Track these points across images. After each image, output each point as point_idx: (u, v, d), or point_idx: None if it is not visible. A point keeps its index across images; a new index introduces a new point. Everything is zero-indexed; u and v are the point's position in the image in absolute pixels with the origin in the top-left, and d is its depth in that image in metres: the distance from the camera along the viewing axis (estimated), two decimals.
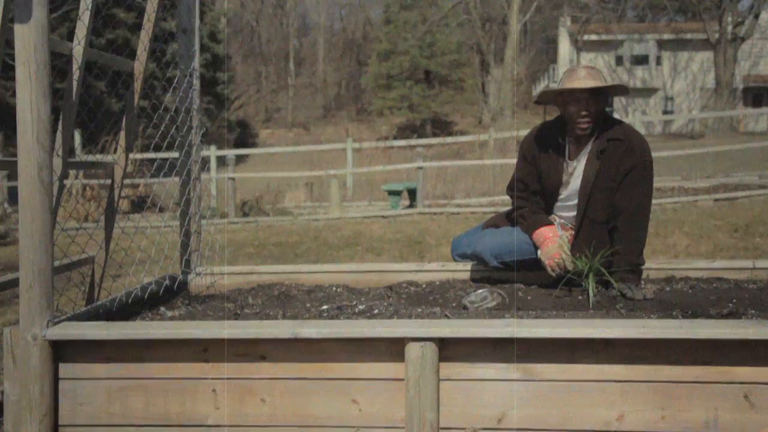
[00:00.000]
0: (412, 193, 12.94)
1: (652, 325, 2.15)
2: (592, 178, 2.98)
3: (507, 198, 3.26)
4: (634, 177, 2.94)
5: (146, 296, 2.95)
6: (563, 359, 2.15)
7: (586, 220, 3.02)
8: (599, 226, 3.01)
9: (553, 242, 3.03)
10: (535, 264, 3.15)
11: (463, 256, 3.42)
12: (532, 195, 3.16)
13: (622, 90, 3.05)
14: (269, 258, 7.11)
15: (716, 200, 10.85)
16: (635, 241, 2.96)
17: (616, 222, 2.98)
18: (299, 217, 11.95)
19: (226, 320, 2.60)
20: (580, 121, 2.96)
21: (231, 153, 15.73)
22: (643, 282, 3.05)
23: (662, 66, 38.16)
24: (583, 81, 2.91)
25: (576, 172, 3.07)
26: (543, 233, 3.06)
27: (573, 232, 3.14)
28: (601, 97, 2.98)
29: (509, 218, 3.32)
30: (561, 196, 3.14)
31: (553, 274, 3.01)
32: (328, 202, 12.77)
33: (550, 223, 3.10)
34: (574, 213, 3.11)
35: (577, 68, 2.98)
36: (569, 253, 3.01)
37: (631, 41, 37.81)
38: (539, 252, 3.07)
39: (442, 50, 38.42)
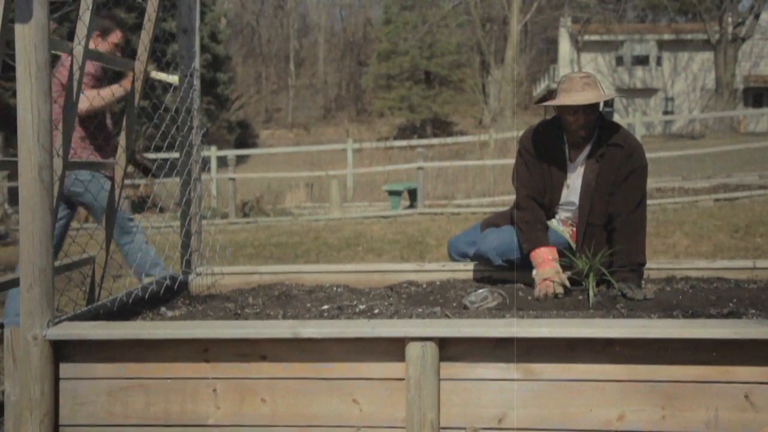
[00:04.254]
0: (412, 194, 12.94)
1: (653, 324, 2.15)
2: (593, 183, 3.02)
3: (507, 198, 3.27)
4: (632, 180, 2.99)
5: (147, 296, 2.95)
6: (564, 359, 2.15)
7: (589, 224, 3.05)
8: (599, 229, 3.06)
9: (551, 266, 2.97)
10: None
11: (463, 256, 3.42)
12: (535, 196, 3.14)
13: (612, 96, 3.11)
14: (270, 258, 7.11)
15: (716, 200, 10.84)
16: (636, 241, 2.98)
17: (615, 224, 3.01)
18: (300, 217, 11.95)
19: (227, 320, 2.60)
20: (578, 128, 2.99)
21: (231, 153, 15.72)
22: (643, 282, 3.06)
23: (663, 66, 38.15)
24: (580, 95, 2.90)
25: (575, 175, 3.09)
26: (542, 254, 3.00)
27: (573, 228, 3.15)
28: (597, 105, 2.99)
29: (508, 217, 3.33)
30: (561, 199, 3.15)
31: (539, 296, 2.93)
32: (329, 202, 12.77)
33: (550, 244, 3.04)
34: (572, 213, 3.14)
35: (575, 78, 2.97)
36: (564, 280, 2.95)
37: (631, 41, 37.81)
38: (534, 272, 3.02)
39: (442, 51, 38.42)
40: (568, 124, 3.01)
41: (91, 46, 3.94)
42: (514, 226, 3.18)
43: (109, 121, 4.07)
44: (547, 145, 3.11)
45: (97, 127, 3.98)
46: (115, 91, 3.76)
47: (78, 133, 3.92)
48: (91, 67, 3.84)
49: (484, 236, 3.25)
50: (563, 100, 2.93)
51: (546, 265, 2.98)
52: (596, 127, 3.05)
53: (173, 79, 3.68)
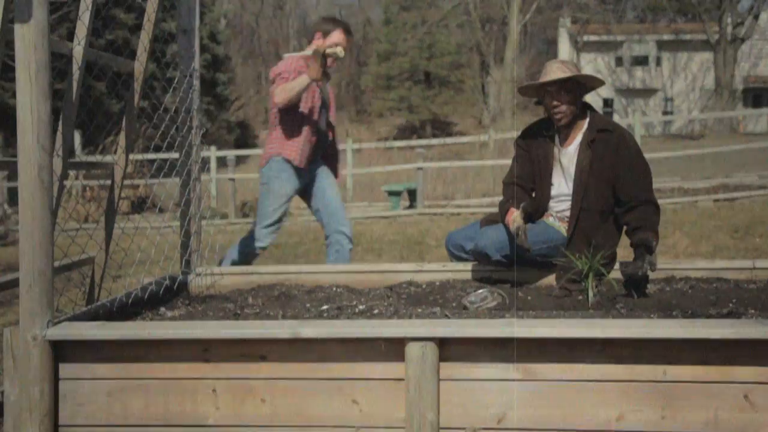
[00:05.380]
0: (412, 194, 12.94)
1: (652, 325, 2.15)
2: (587, 167, 3.08)
3: None
4: (638, 163, 3.06)
5: (146, 296, 2.95)
6: (563, 359, 2.15)
7: (582, 209, 3.09)
8: (594, 214, 3.09)
9: (510, 216, 3.08)
10: (536, 258, 3.17)
11: (459, 249, 3.43)
12: (519, 183, 3.23)
13: (595, 81, 3.15)
14: (269, 258, 7.10)
15: (716, 201, 10.85)
16: (655, 214, 3.03)
17: (630, 206, 3.03)
18: (299, 217, 11.94)
19: (227, 320, 2.60)
20: (554, 111, 3.11)
21: (231, 153, 15.71)
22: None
23: (662, 67, 38.16)
24: (553, 74, 3.06)
25: (569, 164, 3.16)
26: (507, 217, 3.12)
27: (568, 224, 3.17)
28: (574, 88, 3.10)
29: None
30: (554, 189, 3.18)
31: (518, 240, 3.02)
32: None
33: (513, 207, 3.15)
34: (567, 205, 3.17)
35: (552, 63, 3.15)
36: (518, 215, 3.04)
37: (630, 42, 37.81)
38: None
39: (441, 51, 38.39)
40: (547, 106, 3.13)
41: (314, 45, 4.06)
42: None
43: (313, 113, 4.10)
44: (538, 137, 3.23)
45: (296, 119, 4.05)
46: (300, 81, 3.89)
47: (279, 127, 4.05)
48: (290, 63, 3.98)
49: (482, 232, 3.27)
50: (540, 80, 3.09)
51: (509, 220, 3.08)
52: (579, 111, 3.15)
53: (339, 51, 3.86)
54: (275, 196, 4.09)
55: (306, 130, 4.06)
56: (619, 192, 3.05)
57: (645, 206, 3.02)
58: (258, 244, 4.10)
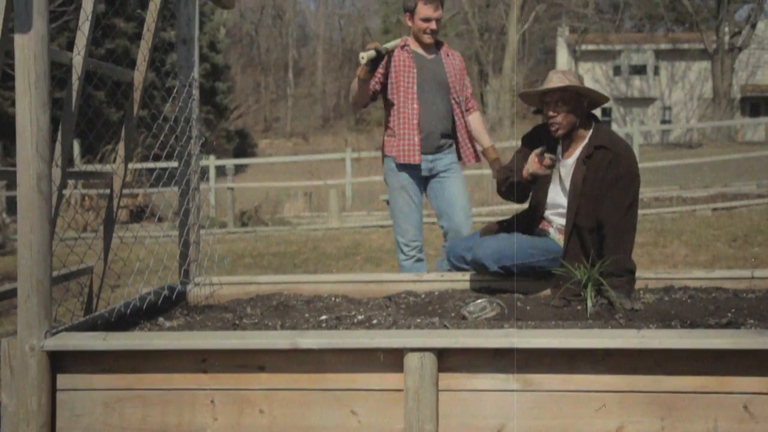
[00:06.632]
0: None
1: (651, 335, 2.15)
2: (580, 184, 3.04)
3: (506, 207, 3.31)
4: (620, 188, 2.97)
5: (145, 307, 2.94)
6: (563, 369, 2.14)
7: (576, 225, 3.07)
8: (587, 232, 3.05)
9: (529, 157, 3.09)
10: (534, 269, 3.17)
11: (460, 260, 3.42)
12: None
13: (600, 96, 3.08)
14: (268, 268, 7.10)
15: (714, 210, 10.85)
16: (623, 248, 2.96)
17: (604, 232, 3.00)
18: (298, 227, 11.94)
19: (225, 331, 2.59)
20: (550, 122, 3.08)
21: (230, 163, 15.72)
22: (640, 292, 3.06)
23: (660, 76, 38.26)
24: (552, 83, 3.03)
25: (566, 175, 3.14)
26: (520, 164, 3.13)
27: (563, 237, 3.17)
28: (573, 99, 3.04)
29: (503, 226, 3.36)
30: (552, 200, 3.20)
31: (543, 171, 3.05)
32: (327, 212, 12.76)
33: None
34: (563, 218, 3.16)
35: (553, 72, 3.11)
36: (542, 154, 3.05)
37: (628, 51, 37.93)
38: (530, 170, 3.09)
39: None
40: (548, 119, 3.10)
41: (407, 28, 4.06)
42: (513, 230, 3.24)
43: (407, 103, 3.93)
44: (543, 139, 3.20)
45: (393, 112, 3.96)
46: (354, 82, 3.86)
47: (386, 124, 4.03)
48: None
49: (480, 242, 3.26)
50: (540, 88, 3.07)
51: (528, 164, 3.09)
52: (582, 123, 3.10)
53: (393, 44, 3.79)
54: (396, 193, 3.95)
55: (404, 123, 3.91)
56: (598, 212, 3.00)
57: (615, 237, 2.95)
58: (408, 253, 3.91)
